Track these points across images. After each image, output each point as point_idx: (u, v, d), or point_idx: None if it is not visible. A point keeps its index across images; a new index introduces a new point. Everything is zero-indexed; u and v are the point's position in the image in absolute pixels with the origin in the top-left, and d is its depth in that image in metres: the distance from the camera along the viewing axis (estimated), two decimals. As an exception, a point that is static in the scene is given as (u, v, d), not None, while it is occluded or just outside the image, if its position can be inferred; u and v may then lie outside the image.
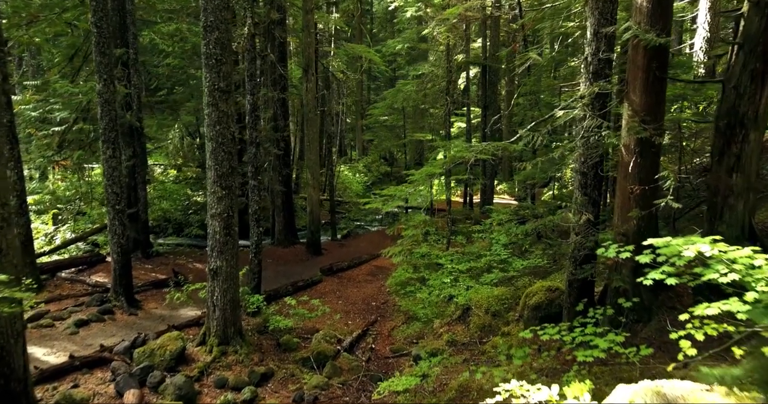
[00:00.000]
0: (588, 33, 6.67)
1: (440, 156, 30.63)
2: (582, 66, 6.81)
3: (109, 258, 12.02)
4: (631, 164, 6.18)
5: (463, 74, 25.65)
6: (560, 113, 6.43)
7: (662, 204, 5.74)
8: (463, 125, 27.64)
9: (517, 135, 6.55)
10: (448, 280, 10.73)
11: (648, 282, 3.58)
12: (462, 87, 27.46)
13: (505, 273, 9.81)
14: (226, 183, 8.33)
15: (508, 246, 11.40)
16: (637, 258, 3.86)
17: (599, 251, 4.31)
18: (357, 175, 29.83)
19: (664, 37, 5.74)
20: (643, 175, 6.22)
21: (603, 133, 6.34)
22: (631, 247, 4.04)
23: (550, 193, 21.16)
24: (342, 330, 10.47)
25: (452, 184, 19.43)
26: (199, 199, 20.56)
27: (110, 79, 9.95)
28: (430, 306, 10.53)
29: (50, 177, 22.73)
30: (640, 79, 6.06)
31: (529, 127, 6.50)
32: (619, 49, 9.02)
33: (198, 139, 24.18)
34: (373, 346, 9.88)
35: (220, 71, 7.98)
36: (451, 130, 25.26)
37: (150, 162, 26.73)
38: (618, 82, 6.62)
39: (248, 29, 9.99)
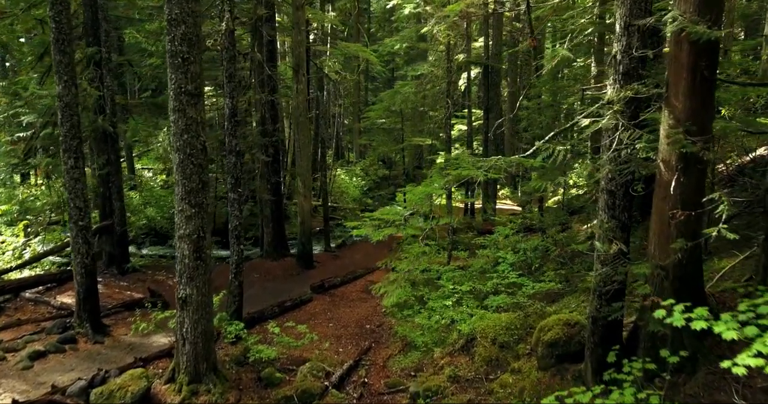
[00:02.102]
0: (617, 26, 5.62)
1: (440, 159, 29.64)
2: (609, 65, 5.76)
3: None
4: (673, 183, 5.13)
5: (464, 75, 24.62)
6: (586, 122, 5.38)
7: (714, 234, 4.69)
8: (464, 127, 26.58)
9: (534, 147, 5.49)
10: (450, 303, 9.68)
11: (740, 371, 2.54)
12: (462, 88, 26.44)
13: (513, 298, 8.74)
14: (196, 200, 7.27)
15: (516, 264, 10.35)
16: (716, 329, 2.81)
17: (657, 313, 3.24)
18: (354, 179, 28.77)
19: (716, 30, 4.70)
20: (687, 196, 5.17)
21: (637, 146, 5.29)
22: (704, 312, 2.98)
23: (556, 198, 20.11)
24: (332, 359, 9.40)
25: (452, 188, 18.42)
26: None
27: (71, 81, 8.88)
28: (430, 332, 9.47)
29: (31, 181, 21.65)
30: (684, 81, 5.01)
31: (547, 137, 5.44)
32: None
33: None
34: (366, 380, 8.81)
35: (188, 71, 6.92)
36: (452, 132, 24.23)
37: (138, 166, 25.72)
38: (653, 85, 5.58)
39: (226, 24, 8.94)
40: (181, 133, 7.03)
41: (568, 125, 5.71)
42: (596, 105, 5.84)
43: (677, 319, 3.00)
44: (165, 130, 23.04)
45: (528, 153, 5.58)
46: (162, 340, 9.71)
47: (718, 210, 4.79)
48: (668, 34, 5.10)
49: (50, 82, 13.06)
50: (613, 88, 5.62)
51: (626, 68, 5.53)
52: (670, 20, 4.85)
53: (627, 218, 5.84)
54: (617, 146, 5.15)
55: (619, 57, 5.57)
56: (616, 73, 5.62)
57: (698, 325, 2.89)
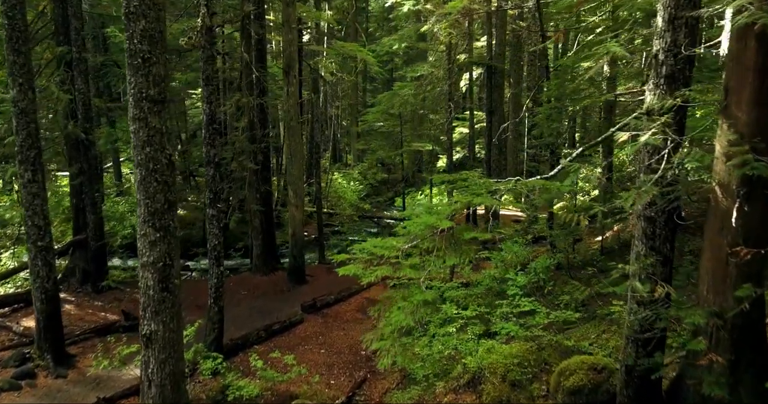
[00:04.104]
0: (659, 19, 4.65)
1: (441, 162, 28.36)
2: (649, 66, 4.80)
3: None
4: (734, 213, 4.16)
5: (465, 76, 23.64)
6: (624, 136, 4.41)
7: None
8: (465, 130, 25.59)
9: (560, 166, 4.53)
10: (453, 329, 8.72)
11: None
12: (464, 89, 25.47)
13: (525, 330, 7.77)
14: (162, 222, 6.27)
15: (526, 286, 9.38)
16: None
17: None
18: (352, 183, 27.75)
19: (795, 23, 3.73)
20: (751, 229, 4.21)
21: (687, 166, 4.32)
22: None
23: (562, 203, 19.10)
24: (322, 394, 8.43)
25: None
26: (180, 213, 18.44)
27: (28, 84, 7.90)
28: (431, 363, 8.49)
29: (14, 188, 20.60)
30: (750, 86, 4.05)
31: (575, 154, 4.47)
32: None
33: (180, 145, 21.94)
34: (360, 420, 7.85)
35: (149, 74, 5.93)
36: (453, 135, 23.24)
37: (125, 171, 24.66)
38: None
39: (202, 20, 7.97)
40: (143, 146, 6.04)
41: (600, 139, 4.74)
42: (632, 115, 4.87)
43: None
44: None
45: (552, 173, 4.60)
46: (134, 372, 8.68)
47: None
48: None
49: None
50: (654, 95, 4.65)
51: (671, 70, 4.56)
52: (734, 11, 3.89)
53: (669, 250, 4.86)
54: (666, 166, 4.17)
55: (661, 57, 4.60)
56: (657, 76, 4.65)
57: None
